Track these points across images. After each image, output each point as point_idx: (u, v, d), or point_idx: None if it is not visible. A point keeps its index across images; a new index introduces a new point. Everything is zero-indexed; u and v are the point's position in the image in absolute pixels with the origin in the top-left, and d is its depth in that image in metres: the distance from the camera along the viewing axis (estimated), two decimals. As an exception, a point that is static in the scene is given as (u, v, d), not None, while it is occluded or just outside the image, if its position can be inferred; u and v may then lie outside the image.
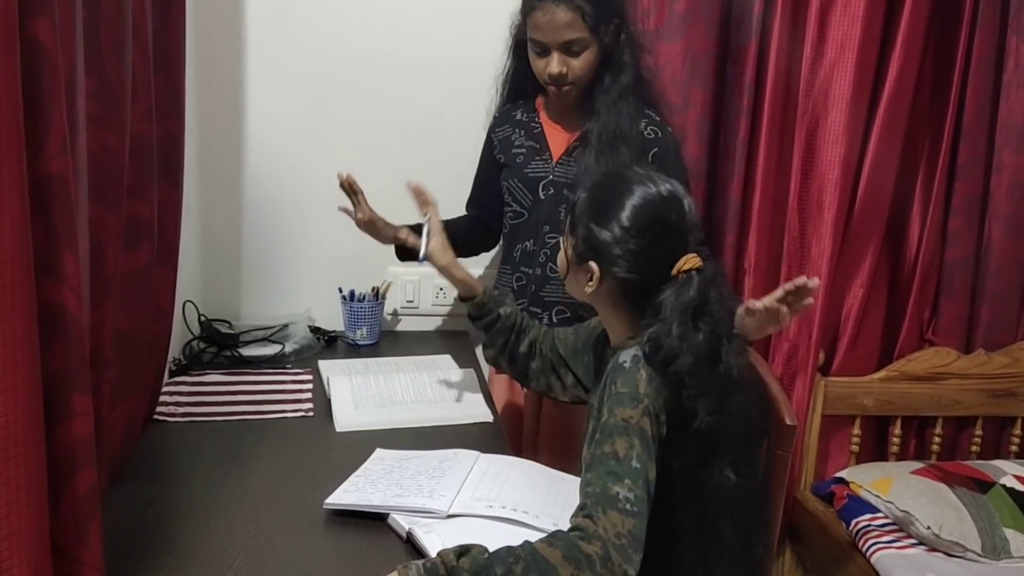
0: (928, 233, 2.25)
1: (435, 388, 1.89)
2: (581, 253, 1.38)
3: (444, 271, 1.73)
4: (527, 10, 1.83)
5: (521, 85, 1.98)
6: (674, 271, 1.32)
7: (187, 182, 1.76)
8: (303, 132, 2.28)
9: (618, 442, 1.23)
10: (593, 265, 1.36)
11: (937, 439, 2.32)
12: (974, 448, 2.34)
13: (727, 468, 1.33)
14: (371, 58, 2.26)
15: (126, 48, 1.28)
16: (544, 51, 1.82)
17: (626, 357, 1.31)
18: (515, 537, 1.23)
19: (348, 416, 1.75)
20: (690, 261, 1.33)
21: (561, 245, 1.45)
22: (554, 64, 1.81)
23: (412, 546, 1.28)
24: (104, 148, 1.23)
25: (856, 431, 2.31)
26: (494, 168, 2.03)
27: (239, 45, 2.22)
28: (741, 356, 1.35)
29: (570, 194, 1.45)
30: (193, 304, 2.10)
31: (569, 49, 1.80)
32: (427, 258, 1.72)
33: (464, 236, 2.08)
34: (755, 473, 1.42)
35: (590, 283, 1.37)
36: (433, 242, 1.73)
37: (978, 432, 2.33)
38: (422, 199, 1.79)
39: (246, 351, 2.09)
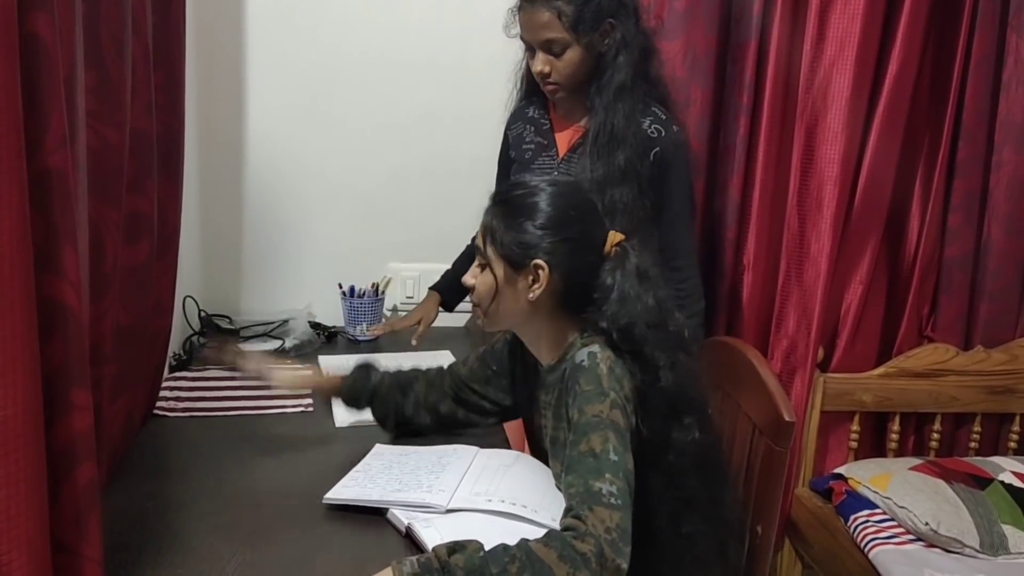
0: (927, 230, 2.25)
1: None
2: (518, 259, 1.35)
3: (307, 387, 1.70)
4: (517, 8, 1.85)
5: (536, 83, 1.97)
6: (607, 248, 1.36)
7: (187, 177, 1.76)
8: (303, 128, 2.28)
9: (593, 438, 1.23)
10: (539, 262, 1.34)
11: (936, 435, 2.32)
12: (972, 445, 2.34)
13: (691, 425, 1.35)
14: (371, 55, 2.26)
15: (126, 43, 1.28)
16: (532, 50, 1.84)
17: (582, 356, 1.32)
18: (514, 531, 1.23)
19: (348, 411, 1.75)
20: (617, 236, 1.38)
21: (480, 274, 1.42)
22: (537, 63, 1.83)
23: (411, 540, 1.29)
24: (104, 143, 1.23)
25: (855, 427, 2.31)
26: (510, 164, 2.04)
27: (239, 41, 2.22)
28: (682, 313, 1.41)
29: (490, 219, 1.41)
30: (193, 299, 2.10)
31: (550, 49, 1.81)
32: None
33: (463, 267, 2.12)
34: (712, 428, 1.43)
35: (535, 286, 1.35)
36: (278, 377, 1.64)
37: (976, 429, 2.33)
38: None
39: (246, 346, 2.09)
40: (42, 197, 0.92)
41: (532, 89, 2.02)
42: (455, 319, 2.36)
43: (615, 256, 1.36)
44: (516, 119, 2.04)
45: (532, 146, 1.97)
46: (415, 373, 1.66)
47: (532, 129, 1.99)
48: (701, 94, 2.14)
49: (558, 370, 1.39)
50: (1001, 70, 2.18)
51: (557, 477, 1.36)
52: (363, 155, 2.32)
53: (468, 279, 1.44)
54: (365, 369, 1.66)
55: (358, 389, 1.63)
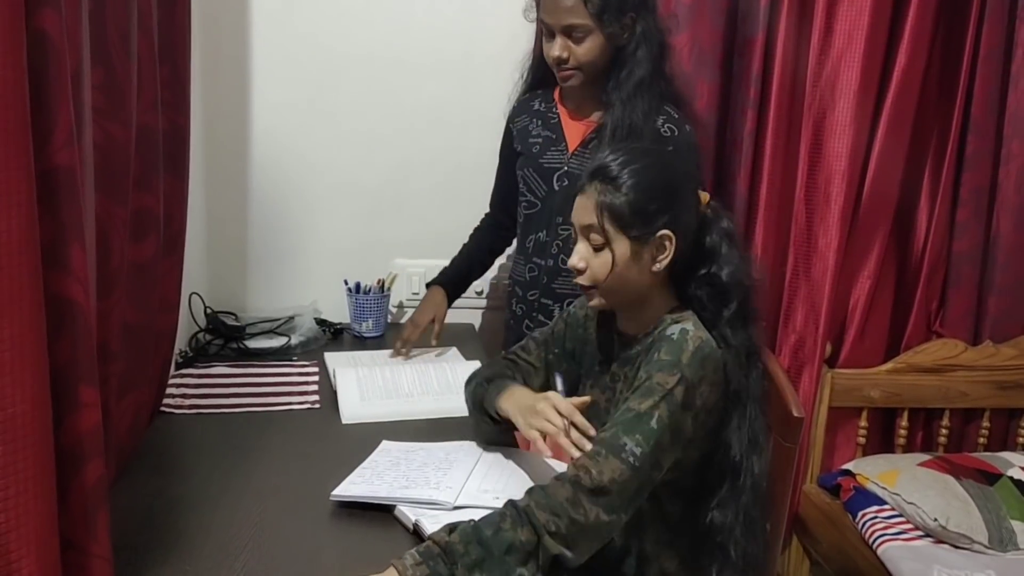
0: (936, 224, 2.24)
1: (441, 380, 1.88)
2: (644, 233, 1.34)
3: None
4: None
5: (545, 73, 1.95)
6: (703, 207, 1.39)
7: (193, 174, 1.76)
8: (308, 123, 2.28)
9: (644, 402, 1.26)
10: (666, 232, 1.34)
11: (944, 431, 2.31)
12: (981, 440, 2.33)
13: (753, 415, 1.37)
14: (376, 50, 2.25)
15: (132, 39, 1.28)
16: (551, 34, 1.82)
17: (673, 330, 1.34)
18: (521, 528, 1.24)
19: (354, 408, 1.75)
20: (704, 195, 1.42)
21: (593, 255, 1.37)
22: (556, 47, 1.81)
23: (418, 538, 1.28)
24: (110, 140, 1.23)
25: (863, 423, 2.30)
26: (513, 158, 2.02)
27: (245, 36, 2.21)
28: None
29: (605, 196, 1.36)
30: (199, 296, 2.10)
31: (571, 34, 1.79)
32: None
33: (471, 266, 2.12)
34: (763, 427, 1.41)
35: (662, 256, 1.36)
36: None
37: (985, 424, 2.32)
38: None
39: (252, 343, 2.09)
40: (49, 194, 0.92)
41: (539, 81, 2.00)
42: (462, 315, 2.36)
43: (712, 215, 1.39)
44: (520, 112, 2.02)
45: (540, 140, 1.96)
46: (527, 367, 1.62)
47: (539, 122, 1.97)
48: (708, 88, 2.13)
49: (643, 343, 1.39)
50: (1010, 63, 2.17)
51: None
52: (368, 151, 2.31)
53: (578, 262, 1.39)
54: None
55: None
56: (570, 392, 1.55)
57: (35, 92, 0.87)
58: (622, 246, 1.35)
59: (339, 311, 2.29)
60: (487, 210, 2.16)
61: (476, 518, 1.20)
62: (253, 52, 2.23)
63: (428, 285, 2.12)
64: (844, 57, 2.08)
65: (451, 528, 1.18)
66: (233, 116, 2.25)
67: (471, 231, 2.16)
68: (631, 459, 1.21)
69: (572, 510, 1.18)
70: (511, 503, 1.20)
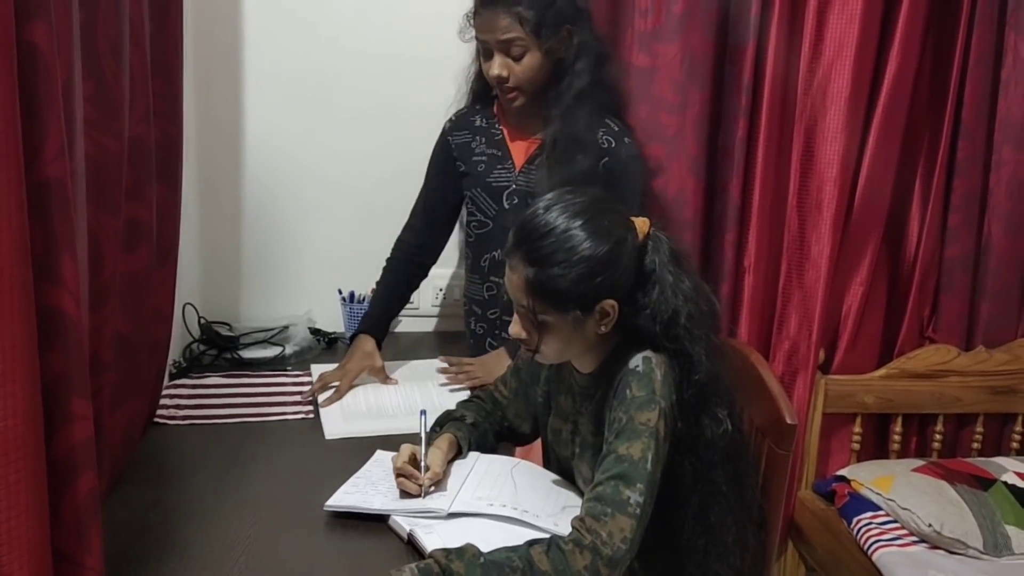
0: (927, 230, 2.25)
1: (427, 401, 1.83)
2: (585, 308, 1.29)
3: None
4: (473, 13, 1.82)
5: (487, 88, 1.94)
6: (641, 238, 1.33)
7: (186, 184, 1.76)
8: (302, 134, 2.28)
9: (635, 445, 1.24)
10: (610, 302, 1.29)
11: (938, 436, 2.32)
12: (975, 445, 2.33)
13: (723, 417, 1.35)
14: (369, 58, 2.26)
15: (124, 51, 1.28)
16: (488, 53, 1.81)
17: (636, 361, 1.31)
18: (516, 537, 1.25)
19: (337, 426, 1.72)
20: (643, 222, 1.35)
21: (531, 328, 1.33)
22: (495, 66, 1.79)
23: (413, 547, 1.28)
24: (102, 151, 1.23)
25: (857, 429, 2.30)
26: (452, 172, 1.98)
27: (237, 47, 2.21)
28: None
29: (537, 278, 1.28)
30: (193, 307, 2.10)
31: (509, 51, 1.77)
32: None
33: (390, 306, 2.04)
34: (738, 415, 1.43)
35: (607, 321, 1.31)
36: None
37: (979, 429, 2.33)
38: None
39: (246, 353, 2.09)
40: (41, 206, 0.92)
41: (479, 96, 1.99)
42: (455, 324, 2.36)
43: (652, 246, 1.33)
44: (460, 127, 1.99)
45: (484, 158, 1.94)
46: (480, 416, 1.59)
47: (483, 140, 1.95)
48: (699, 97, 2.13)
49: (601, 376, 1.38)
50: (1000, 69, 2.18)
51: (587, 481, 1.37)
52: (362, 160, 2.31)
53: (519, 333, 1.35)
54: (459, 426, 1.54)
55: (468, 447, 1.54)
56: (543, 415, 1.55)
57: (26, 104, 0.88)
58: (562, 324, 1.31)
59: (333, 321, 2.28)
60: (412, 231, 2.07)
61: (490, 546, 1.19)
62: (246, 63, 2.23)
63: (352, 337, 2.00)
64: (835, 64, 2.09)
65: (458, 553, 1.16)
66: (226, 126, 2.25)
67: (384, 264, 2.07)
68: (636, 511, 1.20)
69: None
70: (528, 558, 1.16)
